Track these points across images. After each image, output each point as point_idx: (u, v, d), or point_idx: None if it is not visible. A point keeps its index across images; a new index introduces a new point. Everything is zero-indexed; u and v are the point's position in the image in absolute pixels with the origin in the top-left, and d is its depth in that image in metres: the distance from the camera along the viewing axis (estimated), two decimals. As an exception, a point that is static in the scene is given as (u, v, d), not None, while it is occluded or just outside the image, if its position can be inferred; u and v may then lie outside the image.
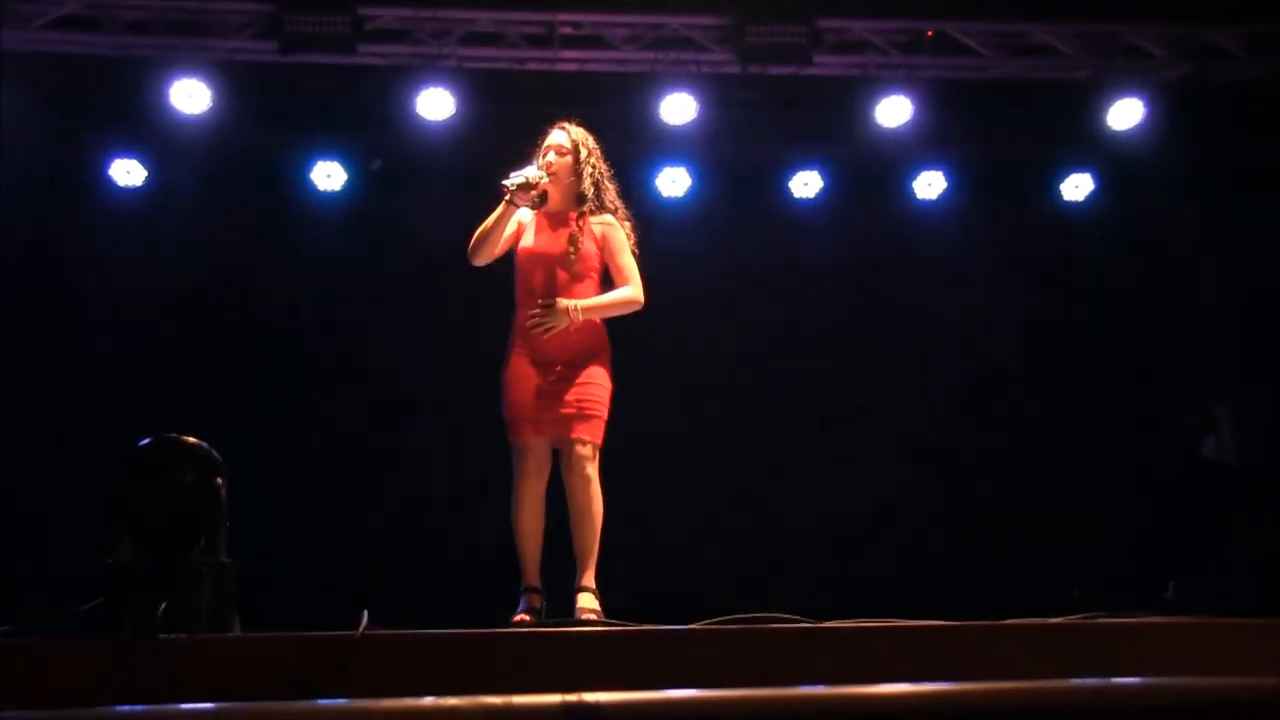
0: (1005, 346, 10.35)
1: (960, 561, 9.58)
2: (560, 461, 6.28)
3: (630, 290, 6.36)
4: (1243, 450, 8.87)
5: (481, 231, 6.33)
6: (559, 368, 6.26)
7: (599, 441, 6.28)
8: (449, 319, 9.49)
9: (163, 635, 4.12)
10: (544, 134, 6.62)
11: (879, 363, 10.29)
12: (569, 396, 6.23)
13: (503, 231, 6.35)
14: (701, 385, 9.80)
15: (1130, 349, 10.41)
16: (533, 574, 6.21)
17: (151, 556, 4.53)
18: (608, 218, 6.46)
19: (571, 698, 2.50)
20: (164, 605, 4.37)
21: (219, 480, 4.71)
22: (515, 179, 6.28)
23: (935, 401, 10.26)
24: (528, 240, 6.42)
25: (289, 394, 9.56)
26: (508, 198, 6.28)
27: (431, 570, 9.01)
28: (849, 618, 4.92)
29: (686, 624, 4.69)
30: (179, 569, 4.50)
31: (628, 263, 6.41)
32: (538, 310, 6.16)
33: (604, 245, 6.41)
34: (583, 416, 6.22)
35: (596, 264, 6.40)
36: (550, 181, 6.39)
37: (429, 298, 9.70)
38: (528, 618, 6.04)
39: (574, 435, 6.21)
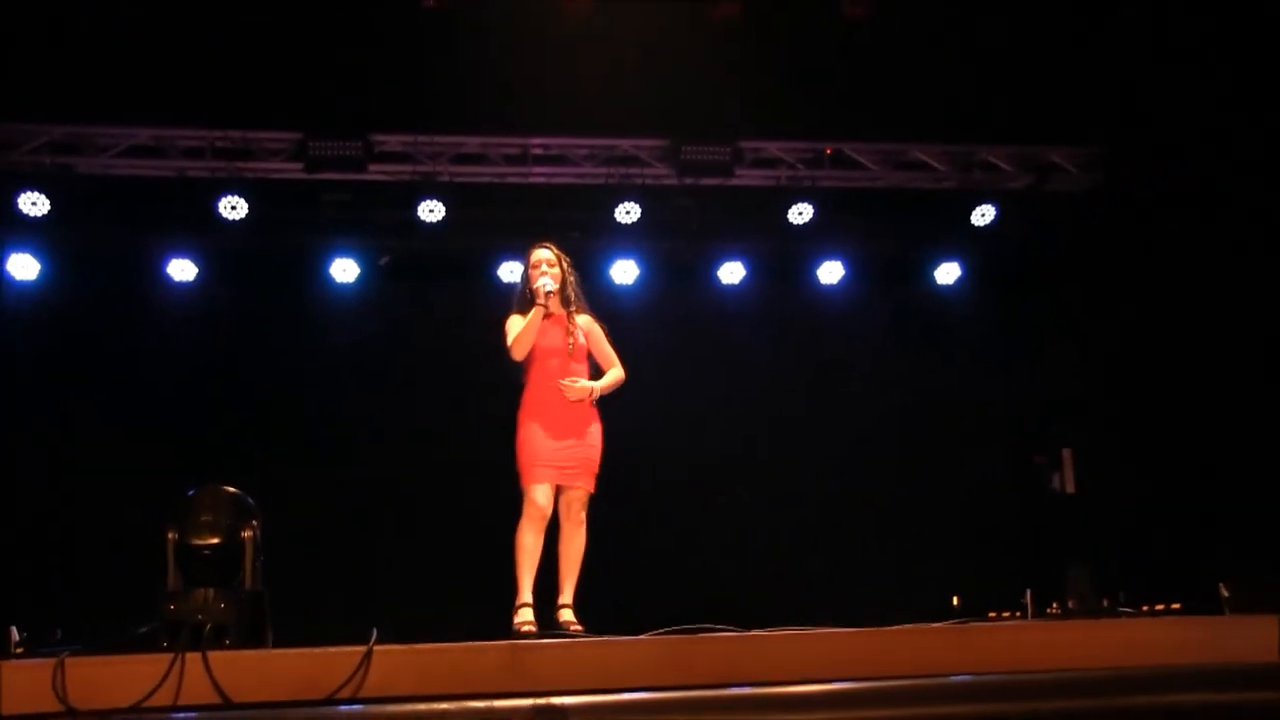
0: (894, 401, 10.37)
1: (861, 577, 9.55)
2: (559, 504, 6.34)
3: (620, 372, 6.56)
4: (1080, 483, 8.90)
5: (526, 332, 6.37)
6: (568, 432, 6.34)
7: (593, 491, 6.39)
8: (444, 383, 9.46)
9: (208, 651, 4.08)
10: (529, 251, 6.65)
11: (794, 416, 10.27)
12: (574, 456, 6.33)
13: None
14: (652, 440, 9.74)
15: (993, 401, 10.44)
16: (527, 590, 6.21)
17: (198, 586, 4.50)
18: (587, 318, 6.62)
19: (541, 701, 2.48)
20: (209, 626, 4.35)
21: (254, 523, 4.69)
22: (549, 286, 6.40)
23: (839, 446, 10.24)
24: (539, 339, 6.47)
25: (313, 451, 9.46)
26: (542, 302, 6.39)
27: (430, 594, 8.91)
28: (770, 627, 4.90)
29: (637, 634, 4.68)
30: (221, 596, 4.47)
31: (610, 351, 6.62)
32: (569, 385, 6.32)
33: (590, 338, 6.56)
34: (584, 472, 6.36)
35: (585, 352, 6.52)
36: (555, 290, 6.49)
37: (428, 367, 9.66)
38: (530, 626, 6.08)
39: (576, 487, 6.33)
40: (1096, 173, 10.42)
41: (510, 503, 6.40)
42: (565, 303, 6.52)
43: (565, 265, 6.60)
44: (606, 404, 6.57)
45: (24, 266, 9.43)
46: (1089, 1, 9.13)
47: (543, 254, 6.58)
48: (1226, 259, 9.49)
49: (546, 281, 6.43)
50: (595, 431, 6.43)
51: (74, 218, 9.41)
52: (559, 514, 6.34)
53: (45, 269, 9.50)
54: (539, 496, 6.24)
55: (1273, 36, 8.75)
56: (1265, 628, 4.68)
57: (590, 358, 6.58)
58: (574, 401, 6.34)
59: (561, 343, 6.42)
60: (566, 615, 6.19)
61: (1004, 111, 9.86)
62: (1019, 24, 9.12)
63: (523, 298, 6.54)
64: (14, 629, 6.07)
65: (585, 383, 6.38)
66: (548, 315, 6.44)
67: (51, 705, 3.89)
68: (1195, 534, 9.35)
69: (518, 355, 6.41)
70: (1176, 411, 9.89)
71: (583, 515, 6.34)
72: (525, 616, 6.11)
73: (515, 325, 6.45)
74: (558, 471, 6.29)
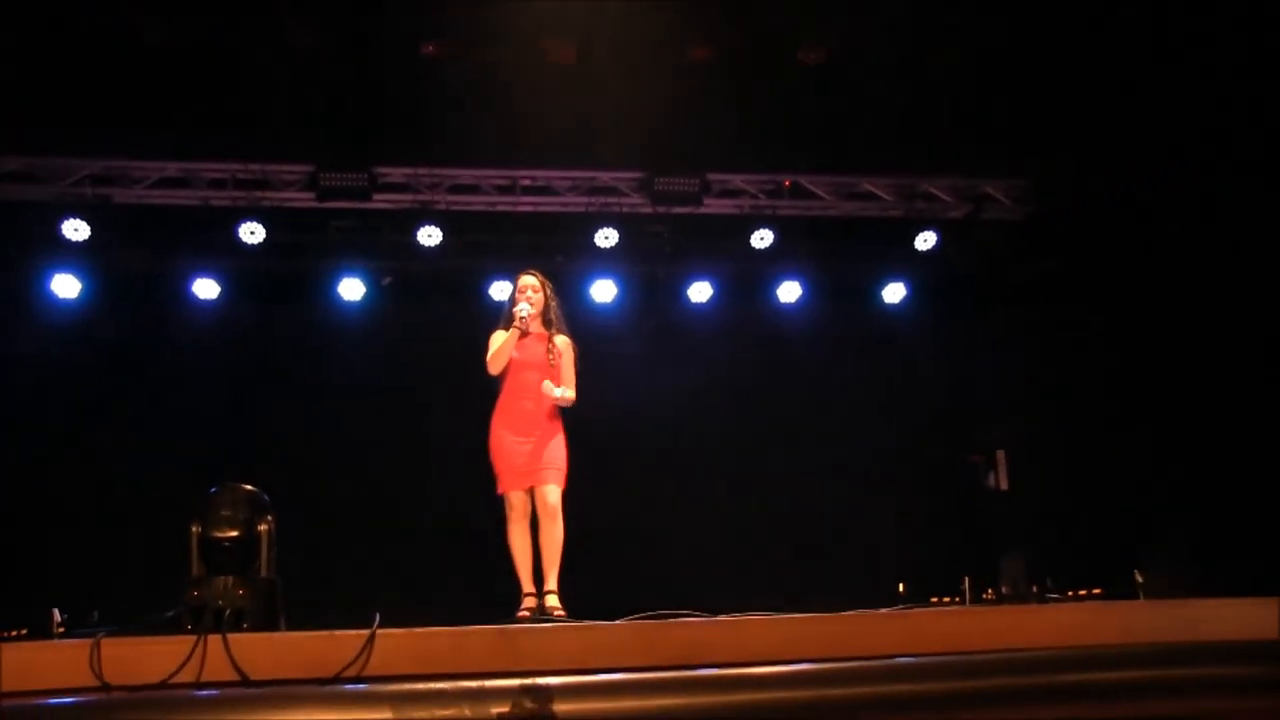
0: (846, 407, 10.37)
1: (816, 567, 9.56)
2: (535, 502, 6.35)
3: (571, 393, 6.51)
4: (1013, 481, 8.92)
5: (501, 350, 6.45)
6: (530, 437, 6.38)
7: (562, 487, 6.39)
8: (437, 392, 9.42)
9: (228, 633, 4.07)
10: (517, 276, 6.71)
11: (756, 419, 10.28)
12: (539, 457, 6.36)
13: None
14: (628, 440, 9.74)
15: (934, 407, 10.45)
16: (527, 583, 6.28)
17: (218, 574, 4.48)
18: (565, 339, 6.62)
19: (528, 681, 2.47)
20: (228, 611, 4.33)
21: (269, 517, 4.67)
22: (525, 311, 6.45)
23: (796, 447, 10.24)
24: (516, 354, 6.50)
25: (322, 452, 9.45)
26: (519, 325, 6.44)
27: (427, 582, 8.88)
28: (734, 613, 4.91)
29: (613, 619, 4.67)
30: (239, 584, 4.45)
31: (571, 374, 6.58)
32: (549, 387, 6.39)
33: (561, 357, 6.55)
34: (551, 470, 6.36)
35: (558, 368, 6.53)
36: (533, 314, 6.55)
37: (427, 377, 9.63)
38: (529, 612, 6.14)
39: (545, 482, 6.34)
40: (1026, 203, 10.49)
41: (496, 498, 6.42)
42: (547, 324, 6.58)
43: (548, 290, 6.65)
44: (589, 409, 6.59)
45: (67, 285, 9.45)
46: (1020, 50, 9.17)
47: (528, 280, 6.64)
48: (1137, 280, 9.67)
49: (525, 306, 6.50)
50: (556, 433, 6.46)
51: (111, 242, 9.47)
52: (535, 510, 6.36)
53: (85, 288, 9.50)
54: (514, 500, 6.35)
55: (1187, 81, 8.83)
56: (1175, 611, 4.72)
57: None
58: (536, 400, 6.40)
59: (542, 358, 6.49)
60: (551, 601, 6.20)
61: (944, 148, 9.91)
62: (956, 70, 9.18)
63: (506, 317, 6.58)
64: (56, 612, 6.06)
65: (555, 390, 6.40)
66: (525, 335, 6.48)
67: (89, 680, 3.88)
68: (1114, 527, 9.41)
69: (493, 370, 6.49)
70: (1097, 415, 9.97)
71: (556, 508, 6.31)
72: (527, 605, 6.20)
73: (495, 342, 6.52)
74: (526, 474, 6.35)
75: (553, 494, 6.31)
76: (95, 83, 8.69)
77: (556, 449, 6.41)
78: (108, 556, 8.68)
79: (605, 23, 9.00)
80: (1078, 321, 10.11)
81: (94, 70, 8.64)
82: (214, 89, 8.82)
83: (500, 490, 6.39)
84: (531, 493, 6.36)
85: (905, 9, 8.74)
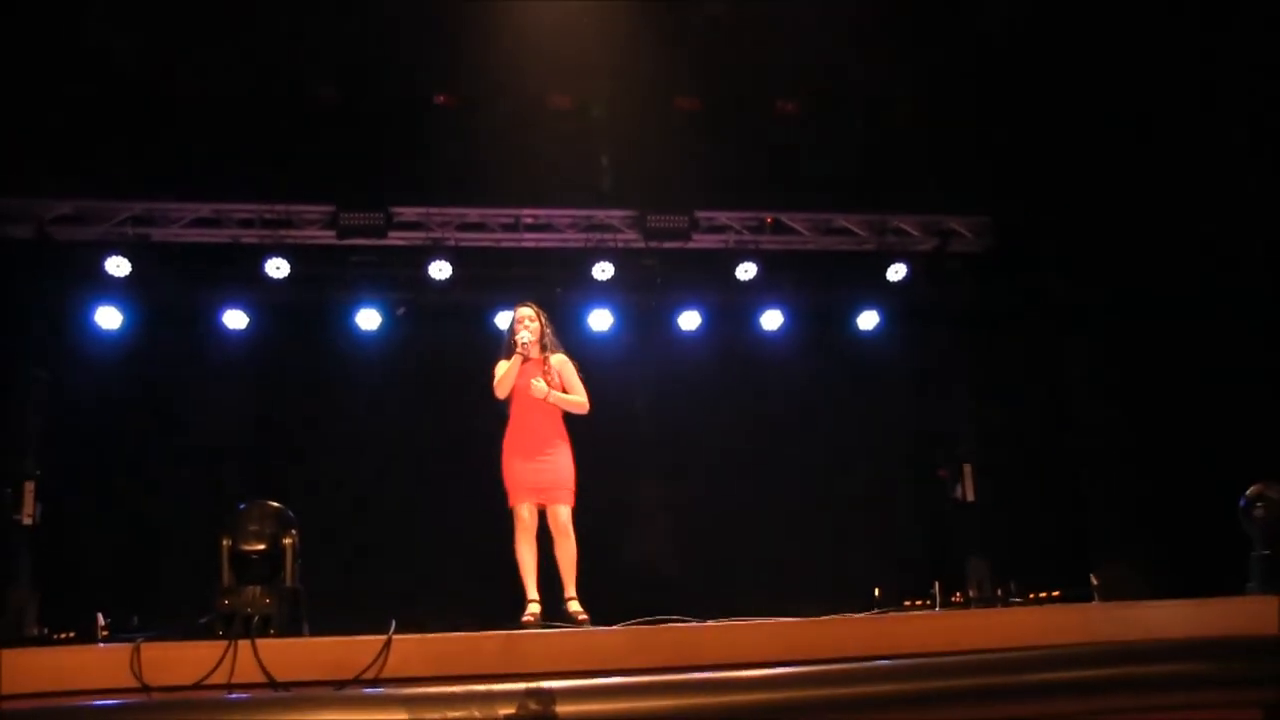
0: (824, 425, 10.33)
1: (797, 574, 9.50)
2: (547, 519, 6.33)
3: (581, 398, 6.50)
4: (978, 492, 8.95)
5: (506, 376, 6.42)
6: (540, 458, 6.35)
7: (572, 504, 6.36)
8: (452, 413, 9.40)
9: (256, 638, 4.05)
10: (515, 308, 6.69)
11: (741, 437, 10.25)
12: (549, 476, 6.33)
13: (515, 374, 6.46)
14: (623, 457, 9.70)
15: (906, 425, 10.45)
16: (532, 590, 6.23)
17: (247, 584, 4.46)
18: (561, 356, 6.61)
19: (532, 685, 2.45)
20: (256, 617, 4.31)
21: (293, 531, 4.66)
22: (525, 338, 6.45)
23: (778, 462, 10.21)
24: (519, 379, 6.49)
25: (341, 470, 9.41)
26: (521, 352, 6.43)
27: (439, 591, 8.84)
28: (722, 618, 4.90)
29: (610, 625, 4.66)
30: (266, 593, 4.43)
31: (577, 382, 6.56)
32: (536, 384, 6.35)
33: (562, 372, 6.55)
34: (561, 488, 6.34)
35: (560, 386, 6.50)
36: (532, 341, 6.53)
37: (438, 398, 9.62)
38: (532, 618, 6.10)
39: (556, 503, 6.32)
40: (988, 238, 10.51)
41: (504, 513, 6.39)
42: (542, 349, 6.56)
43: (543, 319, 6.63)
44: (588, 428, 6.57)
45: (110, 317, 9.46)
46: (985, 97, 9.22)
47: (524, 311, 6.63)
48: (1085, 305, 9.81)
49: (524, 334, 6.49)
50: (564, 454, 6.41)
51: (150, 277, 9.48)
52: (549, 527, 6.33)
53: (127, 319, 9.51)
54: (523, 513, 6.29)
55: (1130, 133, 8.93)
56: (1130, 612, 4.71)
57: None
58: (542, 422, 6.37)
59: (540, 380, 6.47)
60: (574, 606, 6.19)
61: (913, 187, 9.94)
62: (923, 116, 9.21)
63: (508, 346, 6.56)
64: (100, 616, 6.05)
65: (543, 385, 6.37)
66: (526, 360, 6.47)
67: (129, 682, 3.87)
68: (1071, 534, 9.42)
69: (500, 394, 6.47)
70: (1056, 432, 9.99)
71: (568, 525, 6.29)
72: (531, 611, 6.15)
73: (500, 370, 6.51)
74: (536, 492, 6.32)
75: (564, 513, 6.30)
76: (137, 134, 8.76)
77: (566, 470, 6.38)
78: (147, 567, 8.66)
79: (601, 76, 9.05)
80: (1036, 344, 10.15)
81: (136, 122, 8.71)
82: (243, 138, 8.87)
83: (511, 504, 6.35)
84: (542, 510, 6.34)
85: (870, 65, 8.77)
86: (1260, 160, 8.06)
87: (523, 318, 6.59)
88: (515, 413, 6.47)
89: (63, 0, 8.05)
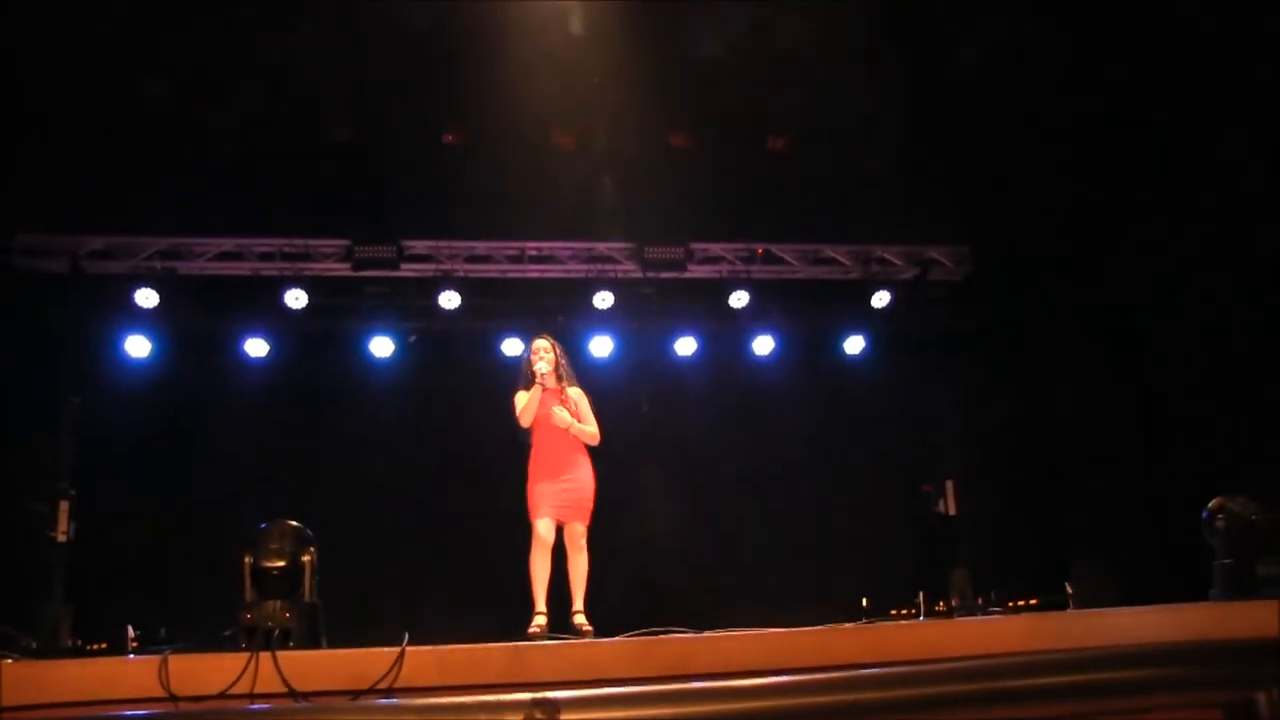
0: (813, 444, 10.32)
1: (789, 586, 9.48)
2: (564, 536, 6.39)
3: (594, 429, 6.60)
4: (960, 506, 8.92)
5: (529, 406, 6.49)
6: (566, 476, 6.42)
7: (589, 522, 6.44)
8: (461, 434, 9.40)
9: (276, 650, 4.04)
10: (532, 339, 6.76)
11: (734, 456, 10.23)
12: (569, 497, 6.39)
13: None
14: (627, 475, 9.66)
15: (890, 442, 10.41)
16: (540, 602, 6.24)
17: (268, 599, 4.45)
18: (577, 390, 6.67)
19: (538, 695, 2.44)
20: (277, 631, 4.30)
21: (311, 549, 4.65)
22: (543, 369, 6.51)
23: (769, 479, 10.19)
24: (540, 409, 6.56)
25: (356, 491, 9.37)
26: (540, 382, 6.50)
27: (450, 605, 8.79)
28: (718, 629, 4.88)
29: (612, 636, 4.65)
30: (286, 607, 4.42)
31: (590, 416, 6.64)
32: (559, 413, 6.45)
33: (578, 405, 6.62)
34: (581, 509, 6.42)
35: (576, 416, 6.58)
36: (549, 371, 6.58)
37: (449, 421, 9.61)
38: (539, 629, 6.10)
39: (575, 522, 6.39)
40: (967, 266, 10.53)
41: (513, 529, 6.38)
42: (559, 379, 6.59)
43: (558, 351, 6.68)
44: (595, 451, 6.58)
45: (139, 345, 9.47)
46: (965, 134, 9.26)
47: (541, 343, 6.68)
48: (1057, 330, 9.82)
49: (543, 365, 6.54)
50: (587, 472, 6.48)
51: (176, 307, 9.51)
52: (564, 543, 6.37)
53: (155, 347, 9.52)
54: (541, 529, 6.31)
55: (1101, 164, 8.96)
56: (1105, 619, 4.70)
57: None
58: (564, 446, 6.43)
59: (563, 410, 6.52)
60: (580, 619, 6.22)
61: (895, 219, 9.97)
62: (906, 151, 9.24)
63: (526, 377, 6.61)
64: (130, 629, 6.03)
65: (567, 416, 6.46)
66: (545, 390, 6.49)
67: (157, 691, 3.87)
68: (1048, 546, 9.41)
69: (524, 423, 6.51)
70: (1032, 449, 9.99)
71: (582, 543, 6.37)
72: (538, 623, 6.15)
73: (520, 400, 6.55)
74: (556, 510, 6.36)
75: (580, 530, 6.38)
76: (165, 173, 8.81)
77: (588, 489, 6.46)
78: (175, 582, 8.62)
79: (601, 115, 9.09)
80: (1012, 366, 10.16)
81: (164, 163, 8.76)
82: (264, 176, 8.93)
83: (532, 519, 6.38)
84: (560, 527, 6.39)
85: (855, 103, 8.81)
86: (1226, 183, 8.10)
87: (539, 349, 6.63)
88: (538, 439, 6.52)
89: (99, 50, 8.11)
